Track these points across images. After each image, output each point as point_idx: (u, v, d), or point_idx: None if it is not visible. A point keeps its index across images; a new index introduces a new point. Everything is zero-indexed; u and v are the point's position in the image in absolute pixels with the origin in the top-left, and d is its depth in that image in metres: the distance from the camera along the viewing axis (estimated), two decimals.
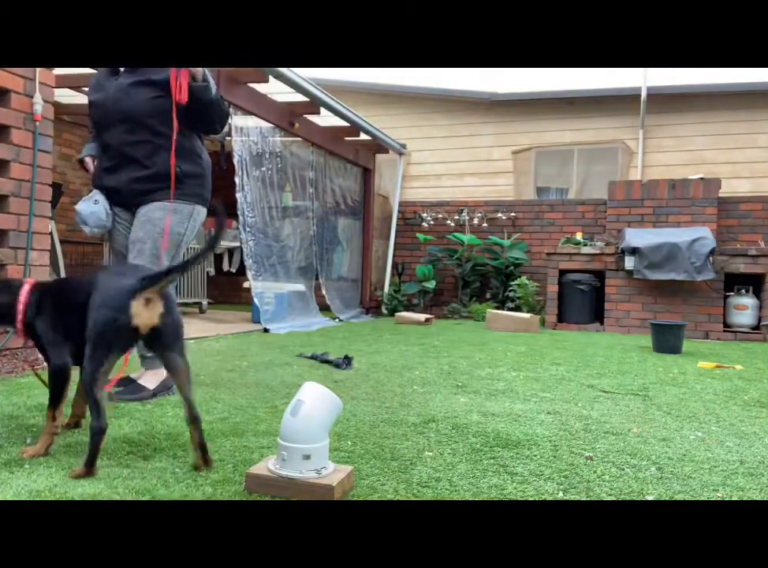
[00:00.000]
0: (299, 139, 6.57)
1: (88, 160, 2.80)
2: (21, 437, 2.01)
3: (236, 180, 5.53)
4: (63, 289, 1.97)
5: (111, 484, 1.61)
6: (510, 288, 7.60)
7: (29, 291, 1.89)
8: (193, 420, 1.78)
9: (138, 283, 1.69)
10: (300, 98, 5.91)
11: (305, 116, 6.42)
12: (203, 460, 1.77)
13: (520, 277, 7.54)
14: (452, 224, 8.45)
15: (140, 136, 2.64)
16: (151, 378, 2.71)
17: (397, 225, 8.64)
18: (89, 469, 1.67)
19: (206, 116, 2.70)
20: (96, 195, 2.72)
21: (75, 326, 1.76)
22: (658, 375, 3.67)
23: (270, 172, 6.13)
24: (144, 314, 1.68)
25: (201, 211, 2.81)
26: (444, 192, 8.95)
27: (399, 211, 8.68)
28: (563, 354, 4.54)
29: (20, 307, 1.86)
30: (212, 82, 2.65)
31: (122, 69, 2.68)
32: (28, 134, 3.11)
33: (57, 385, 1.87)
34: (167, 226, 2.64)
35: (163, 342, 1.76)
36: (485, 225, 8.31)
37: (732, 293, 6.44)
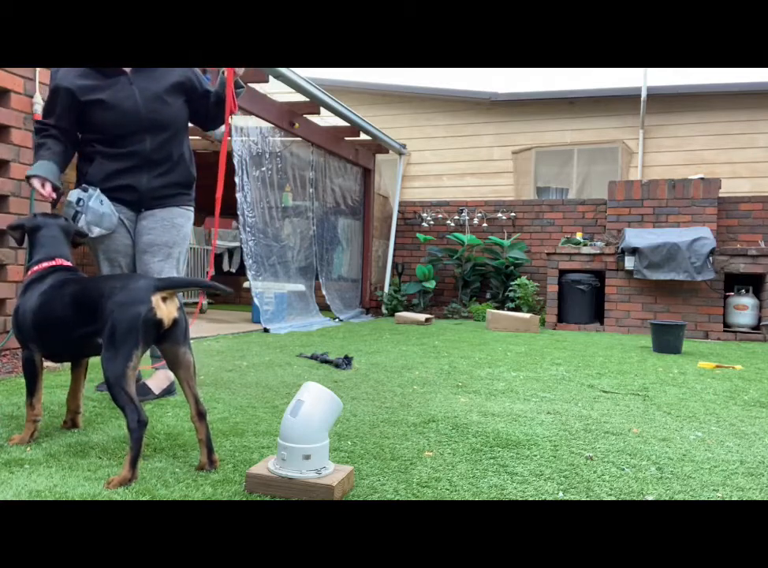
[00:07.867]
0: (299, 139, 6.56)
1: (36, 183, 2.38)
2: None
3: (236, 180, 5.54)
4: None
5: None
6: (510, 288, 7.60)
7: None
8: (200, 415, 1.78)
9: (156, 282, 1.78)
10: (300, 98, 5.91)
11: (305, 116, 6.42)
12: (208, 460, 1.75)
13: (519, 277, 7.55)
14: (453, 224, 8.45)
15: (174, 142, 2.66)
16: (161, 381, 2.71)
17: (397, 225, 8.64)
18: (132, 471, 1.61)
19: (220, 117, 2.76)
20: (98, 193, 2.49)
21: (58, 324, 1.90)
22: (657, 375, 3.67)
23: (270, 172, 6.13)
24: (164, 308, 1.75)
25: None
26: (444, 192, 8.95)
27: (399, 211, 8.69)
28: (563, 354, 4.54)
29: None
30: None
31: (127, 70, 2.52)
32: (28, 134, 3.11)
33: (27, 375, 1.98)
34: (189, 233, 2.78)
35: (177, 337, 1.80)
36: (485, 225, 8.31)
37: (732, 293, 6.44)
